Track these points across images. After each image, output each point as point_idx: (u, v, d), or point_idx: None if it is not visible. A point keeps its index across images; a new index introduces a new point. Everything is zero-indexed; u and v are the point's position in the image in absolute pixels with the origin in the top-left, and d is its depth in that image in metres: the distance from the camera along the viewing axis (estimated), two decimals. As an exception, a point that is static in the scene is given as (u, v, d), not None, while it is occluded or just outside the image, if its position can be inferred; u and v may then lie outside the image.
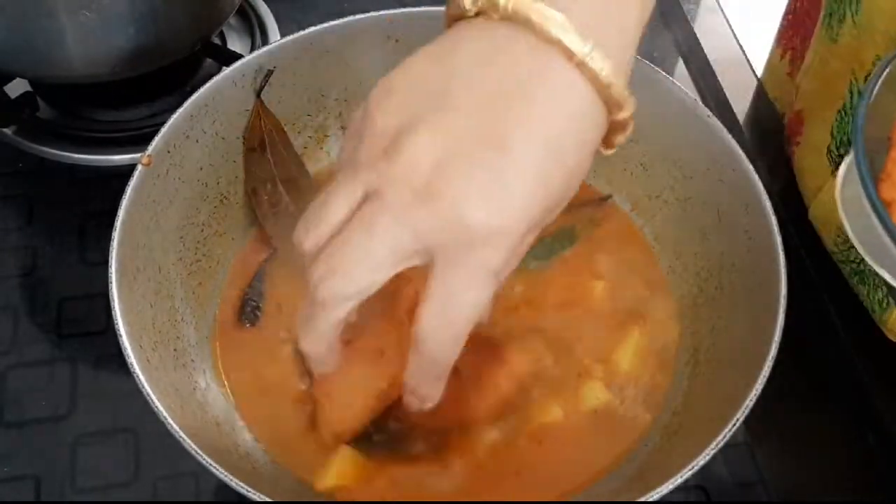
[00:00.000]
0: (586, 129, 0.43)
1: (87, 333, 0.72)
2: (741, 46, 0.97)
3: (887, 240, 0.45)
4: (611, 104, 0.43)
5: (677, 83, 0.63)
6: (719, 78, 0.93)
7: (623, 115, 0.43)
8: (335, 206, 0.42)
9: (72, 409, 0.68)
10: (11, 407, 0.68)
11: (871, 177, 0.45)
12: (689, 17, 0.99)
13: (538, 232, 0.43)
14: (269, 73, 0.63)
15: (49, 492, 0.65)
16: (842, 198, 0.50)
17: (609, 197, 0.68)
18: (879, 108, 0.49)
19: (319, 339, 0.45)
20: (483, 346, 0.56)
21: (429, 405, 0.47)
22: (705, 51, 0.95)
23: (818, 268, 0.76)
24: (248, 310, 0.60)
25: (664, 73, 0.63)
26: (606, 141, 0.45)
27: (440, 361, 0.44)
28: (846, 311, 0.74)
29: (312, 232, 0.43)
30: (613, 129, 0.44)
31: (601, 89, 0.42)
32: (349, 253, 0.42)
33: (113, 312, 0.50)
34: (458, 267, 0.41)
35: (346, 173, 0.43)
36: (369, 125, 0.42)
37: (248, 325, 0.59)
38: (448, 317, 0.42)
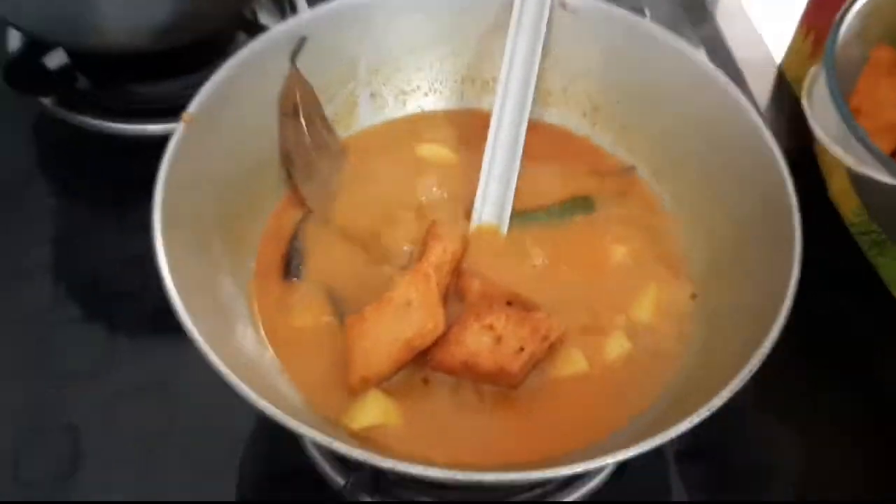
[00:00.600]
0: None
1: (122, 294, 0.75)
2: (759, 33, 0.98)
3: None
4: None
5: (699, 53, 0.65)
6: (739, 63, 0.95)
7: None
8: None
9: (110, 364, 0.71)
10: (52, 361, 0.71)
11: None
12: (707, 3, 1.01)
13: None
14: (303, 40, 0.66)
15: (88, 441, 0.68)
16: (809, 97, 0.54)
17: (633, 168, 0.69)
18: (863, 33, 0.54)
19: None
20: (514, 306, 0.58)
21: None
22: (726, 38, 0.97)
23: (836, 248, 0.78)
24: (292, 267, 0.62)
25: (686, 43, 0.65)
26: None
27: None
28: (862, 289, 0.76)
29: None
30: None
31: None
32: None
33: (157, 258, 0.53)
34: None
35: None
36: None
37: (294, 280, 0.62)
38: None
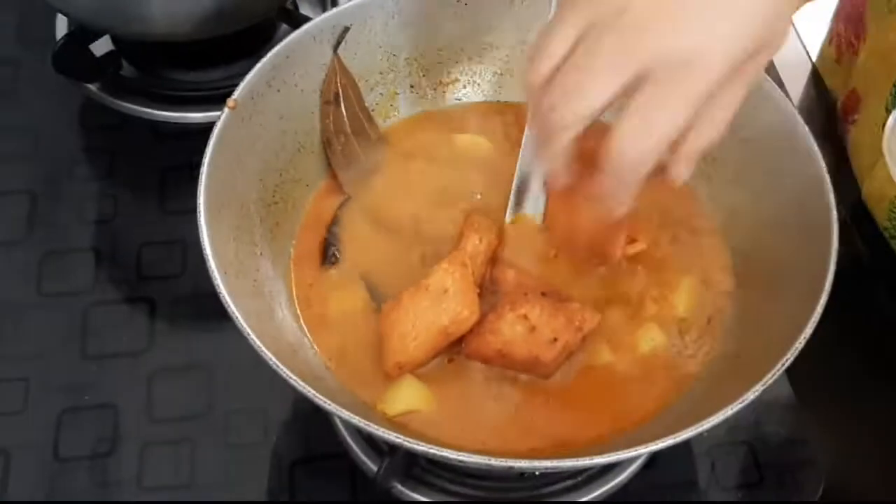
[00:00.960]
0: None
1: (164, 276, 0.76)
2: (796, 31, 0.98)
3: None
4: None
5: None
6: (774, 60, 0.95)
7: None
8: (559, 41, 0.46)
9: (149, 345, 0.73)
10: (93, 341, 0.73)
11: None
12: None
13: (739, 79, 0.46)
14: (346, 29, 0.67)
15: (126, 420, 0.69)
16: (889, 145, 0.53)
17: None
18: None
19: (558, 156, 0.49)
20: (549, 297, 0.59)
21: (619, 212, 0.49)
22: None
23: (870, 249, 0.78)
24: (330, 253, 0.64)
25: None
26: None
27: (634, 168, 0.46)
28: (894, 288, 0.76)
29: (539, 65, 0.47)
30: None
31: None
32: (580, 79, 0.46)
33: (202, 241, 0.54)
34: (665, 88, 0.44)
35: (565, 10, 0.47)
36: None
37: (331, 266, 0.63)
38: (646, 130, 0.45)
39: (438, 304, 0.57)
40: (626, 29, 0.44)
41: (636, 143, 0.46)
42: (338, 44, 0.67)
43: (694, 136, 0.47)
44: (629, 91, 0.45)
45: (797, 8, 0.49)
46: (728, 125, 0.47)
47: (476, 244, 0.61)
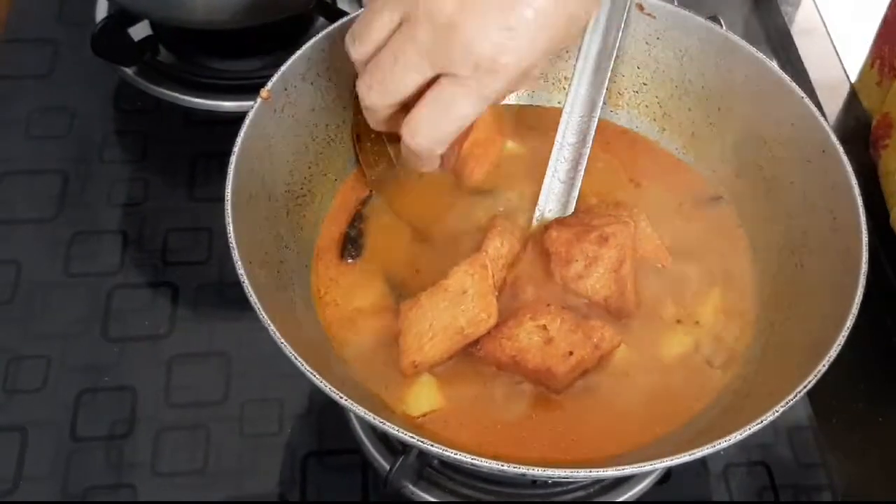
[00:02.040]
0: None
1: (189, 263, 0.77)
2: (836, 50, 0.97)
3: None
4: None
5: (773, 63, 0.65)
6: (812, 80, 0.94)
7: None
8: (378, 27, 0.51)
9: (170, 330, 0.73)
10: (115, 324, 0.73)
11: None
12: (786, 19, 1.00)
13: (537, 70, 0.50)
14: None
15: (144, 403, 0.69)
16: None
17: (720, 198, 0.69)
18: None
19: (378, 124, 0.55)
20: (571, 310, 0.59)
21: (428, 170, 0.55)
22: (801, 54, 0.96)
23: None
24: (351, 248, 0.64)
25: (760, 53, 0.65)
26: None
27: (422, 154, 0.53)
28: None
29: (359, 47, 0.52)
30: None
31: None
32: (384, 73, 0.51)
33: (227, 230, 0.54)
34: (458, 85, 0.49)
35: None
36: None
37: (349, 261, 0.63)
38: (437, 118, 0.51)
39: (457, 306, 0.57)
40: (433, 31, 0.48)
41: (428, 132, 0.51)
42: None
43: None
44: (432, 81, 0.50)
45: (593, 12, 0.53)
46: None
47: (498, 247, 0.61)
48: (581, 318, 0.58)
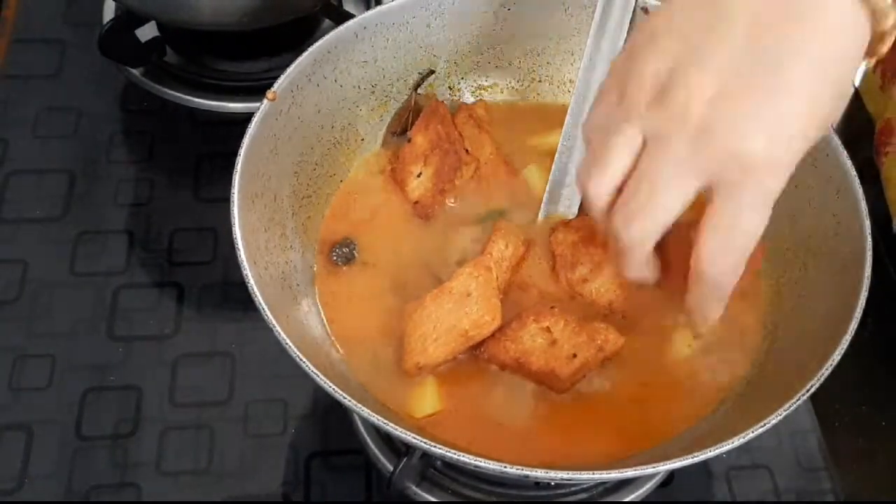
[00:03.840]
0: (852, 45, 0.43)
1: (194, 263, 0.77)
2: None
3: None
4: (876, 14, 0.43)
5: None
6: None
7: (887, 23, 0.44)
8: (618, 157, 0.45)
9: (175, 330, 0.73)
10: (121, 323, 0.74)
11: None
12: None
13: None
14: (431, 72, 0.69)
15: (149, 403, 0.70)
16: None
17: None
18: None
19: (639, 268, 0.48)
20: (574, 312, 0.59)
21: (710, 323, 0.49)
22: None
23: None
24: (355, 249, 0.64)
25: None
26: (869, 50, 0.46)
27: (723, 285, 0.46)
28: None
29: (601, 184, 0.46)
30: (876, 38, 0.45)
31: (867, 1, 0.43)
32: (643, 202, 0.45)
33: (233, 230, 0.54)
34: (739, 197, 0.43)
35: (617, 122, 0.45)
36: (637, 70, 0.44)
37: (353, 262, 0.63)
38: (731, 244, 0.45)
39: (461, 308, 0.57)
40: (690, 140, 0.43)
41: (723, 261, 0.45)
42: (419, 84, 0.68)
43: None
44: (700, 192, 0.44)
45: (853, 79, 0.46)
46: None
47: (502, 249, 0.61)
48: (585, 320, 0.58)
